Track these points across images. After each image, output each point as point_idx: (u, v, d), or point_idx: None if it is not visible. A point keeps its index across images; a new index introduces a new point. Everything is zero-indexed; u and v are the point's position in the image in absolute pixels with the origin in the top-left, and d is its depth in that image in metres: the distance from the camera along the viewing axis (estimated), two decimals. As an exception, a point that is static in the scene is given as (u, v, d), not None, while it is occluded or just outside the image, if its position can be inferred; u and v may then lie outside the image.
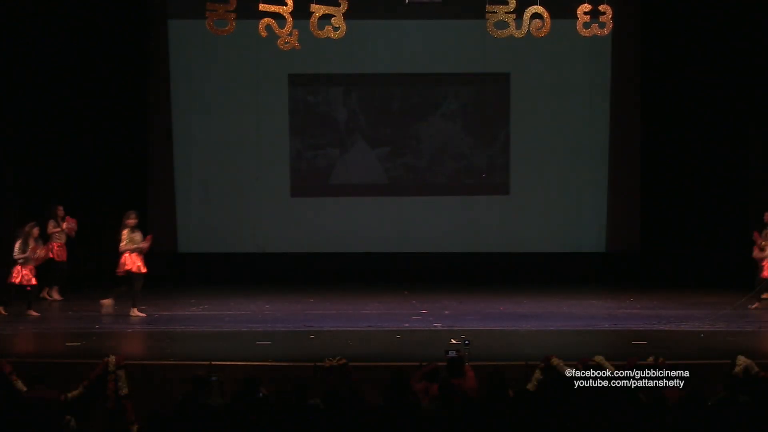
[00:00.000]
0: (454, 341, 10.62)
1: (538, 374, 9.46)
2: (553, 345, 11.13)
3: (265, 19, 12.65)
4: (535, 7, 12.84)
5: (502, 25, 12.91)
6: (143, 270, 13.29)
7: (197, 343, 11.19)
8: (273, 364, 9.87)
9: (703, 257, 16.62)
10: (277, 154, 17.19)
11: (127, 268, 13.21)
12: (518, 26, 12.89)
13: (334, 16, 12.69)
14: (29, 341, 11.19)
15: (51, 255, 14.42)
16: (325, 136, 17.39)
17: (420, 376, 8.90)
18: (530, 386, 9.32)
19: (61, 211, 14.68)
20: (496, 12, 12.83)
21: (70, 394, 9.39)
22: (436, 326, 12.35)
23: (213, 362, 9.69)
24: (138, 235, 13.29)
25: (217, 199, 17.04)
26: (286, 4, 12.59)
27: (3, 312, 13.28)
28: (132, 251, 13.23)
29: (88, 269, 16.47)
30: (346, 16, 12.76)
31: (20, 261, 13.22)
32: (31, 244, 13.35)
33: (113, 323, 12.54)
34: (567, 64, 17.00)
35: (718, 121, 16.44)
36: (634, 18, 16.73)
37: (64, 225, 14.67)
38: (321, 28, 12.72)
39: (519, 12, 12.84)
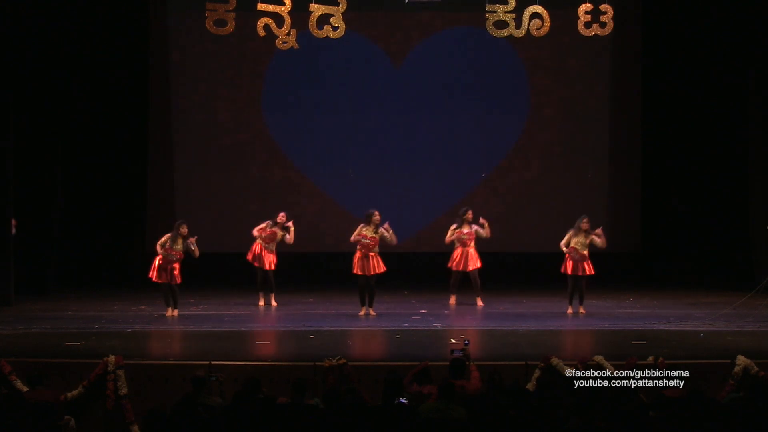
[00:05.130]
0: (453, 341, 10.61)
1: (537, 374, 9.47)
2: (552, 345, 11.14)
3: (264, 19, 12.66)
4: (534, 6, 12.87)
5: (502, 24, 12.92)
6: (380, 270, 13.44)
7: (197, 343, 11.18)
8: (273, 364, 9.87)
9: (703, 257, 16.61)
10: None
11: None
12: (518, 26, 12.91)
13: (333, 15, 12.71)
14: (29, 341, 11.17)
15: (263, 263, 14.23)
16: (325, 135, 17.37)
17: (411, 376, 8.88)
18: (530, 386, 9.32)
19: (282, 217, 14.27)
20: (496, 12, 12.85)
21: (69, 394, 9.41)
22: (435, 326, 12.35)
23: (213, 362, 9.69)
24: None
25: (217, 199, 17.02)
26: (284, 4, 12.62)
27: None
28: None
29: (87, 269, 16.48)
30: (346, 15, 12.78)
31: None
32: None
33: (113, 323, 12.52)
34: (567, 63, 16.98)
35: (718, 121, 16.42)
36: (634, 18, 16.72)
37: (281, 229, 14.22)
38: (320, 27, 12.73)
39: (518, 12, 12.86)
